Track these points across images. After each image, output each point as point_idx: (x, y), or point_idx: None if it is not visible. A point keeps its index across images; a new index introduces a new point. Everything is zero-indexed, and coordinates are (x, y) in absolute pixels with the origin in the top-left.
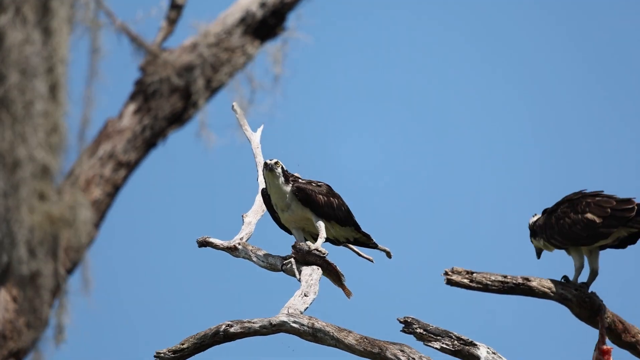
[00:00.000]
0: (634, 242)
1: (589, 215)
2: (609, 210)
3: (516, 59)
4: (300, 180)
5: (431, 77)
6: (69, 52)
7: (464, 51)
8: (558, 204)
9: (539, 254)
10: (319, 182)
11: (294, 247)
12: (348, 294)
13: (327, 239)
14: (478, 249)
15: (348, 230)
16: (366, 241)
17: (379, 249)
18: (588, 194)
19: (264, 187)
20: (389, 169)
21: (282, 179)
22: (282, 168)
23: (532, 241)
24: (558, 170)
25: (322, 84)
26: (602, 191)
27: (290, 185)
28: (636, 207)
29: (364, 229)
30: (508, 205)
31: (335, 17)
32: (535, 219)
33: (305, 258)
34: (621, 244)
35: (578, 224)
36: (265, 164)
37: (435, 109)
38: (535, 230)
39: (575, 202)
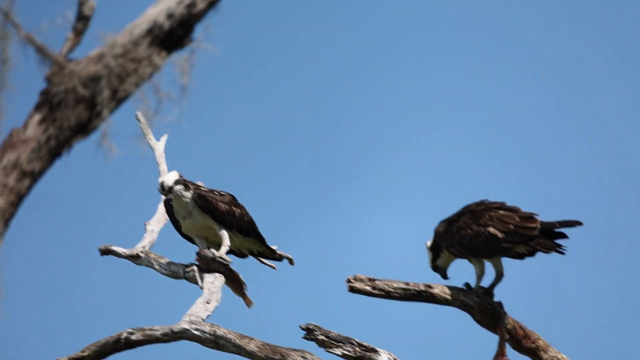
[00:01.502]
0: (532, 256)
1: (491, 230)
2: (511, 226)
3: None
4: (202, 188)
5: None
6: None
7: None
8: (460, 214)
9: (436, 268)
10: (222, 191)
11: (198, 254)
12: (249, 303)
13: (232, 251)
14: (382, 257)
15: (251, 242)
16: (270, 255)
17: (282, 256)
18: (491, 206)
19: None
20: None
21: (180, 187)
22: (175, 181)
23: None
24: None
25: (230, 93)
26: (505, 203)
27: (191, 192)
28: (539, 226)
29: (269, 242)
30: (414, 208)
31: (243, 27)
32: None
33: (209, 265)
34: (520, 256)
35: (479, 237)
36: (162, 185)
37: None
38: (436, 241)
39: (477, 213)
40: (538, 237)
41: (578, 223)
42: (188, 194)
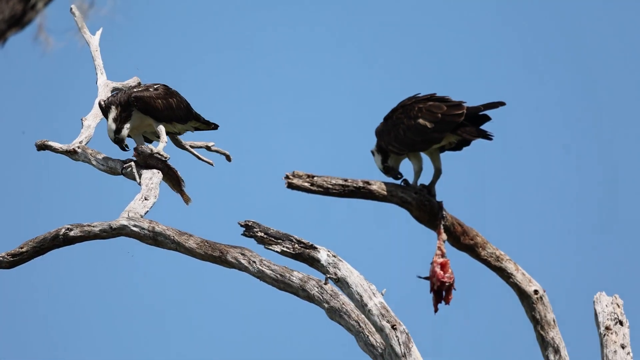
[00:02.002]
0: (468, 144)
1: (421, 121)
2: (439, 115)
3: None
4: (135, 89)
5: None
6: None
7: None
8: (393, 110)
9: (388, 169)
10: (155, 84)
11: (135, 149)
12: (187, 200)
13: (169, 133)
14: (322, 154)
15: (189, 124)
16: (207, 128)
17: (219, 152)
18: (421, 99)
19: (102, 98)
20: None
21: (126, 125)
22: (117, 115)
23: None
24: None
25: None
26: (435, 94)
27: (131, 114)
28: (465, 112)
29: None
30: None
31: None
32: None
33: (147, 161)
34: (457, 146)
35: (411, 130)
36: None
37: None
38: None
39: (408, 107)
40: (465, 124)
41: (501, 104)
42: (133, 121)
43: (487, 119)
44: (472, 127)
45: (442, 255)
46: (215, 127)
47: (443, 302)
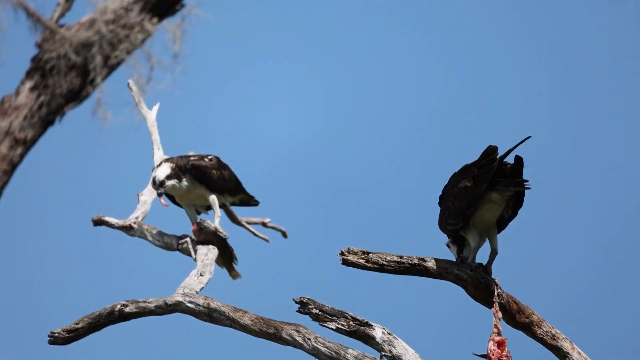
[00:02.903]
0: (520, 205)
1: (462, 183)
2: (475, 170)
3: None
4: (192, 157)
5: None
6: None
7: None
8: (442, 192)
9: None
10: (209, 155)
11: (198, 224)
12: (235, 275)
13: (223, 209)
14: (376, 230)
15: (237, 197)
16: (247, 200)
17: (275, 228)
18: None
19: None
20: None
21: (177, 184)
22: (167, 176)
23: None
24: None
25: (225, 60)
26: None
27: (184, 182)
28: (497, 157)
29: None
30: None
31: None
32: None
33: (207, 237)
34: (513, 213)
35: (457, 197)
36: (154, 181)
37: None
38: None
39: (450, 180)
40: (500, 180)
41: (527, 138)
42: (184, 182)
43: (519, 163)
44: (509, 179)
45: (499, 334)
46: (257, 203)
47: None
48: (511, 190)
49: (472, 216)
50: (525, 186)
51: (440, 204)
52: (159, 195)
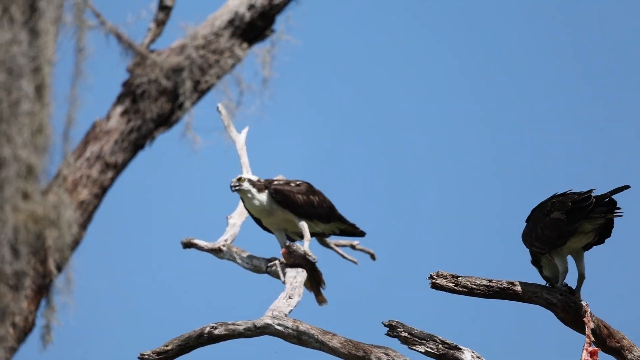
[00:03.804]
0: (609, 234)
1: (555, 215)
2: (569, 204)
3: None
4: (276, 182)
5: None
6: (55, 53)
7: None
8: (533, 211)
9: (548, 280)
10: (298, 181)
11: (287, 247)
12: (322, 300)
13: (314, 233)
14: (464, 252)
15: (333, 225)
16: (352, 231)
17: (364, 250)
18: (557, 195)
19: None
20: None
21: (253, 191)
22: (249, 180)
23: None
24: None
25: (312, 84)
26: (571, 190)
27: (266, 191)
28: (594, 199)
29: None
30: (496, 207)
31: (325, 18)
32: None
33: (296, 261)
34: (600, 240)
35: (548, 227)
36: (231, 187)
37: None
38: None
39: (544, 205)
40: (595, 208)
41: (626, 187)
42: (261, 196)
43: (614, 204)
44: (602, 207)
45: (591, 344)
46: (362, 233)
47: None
48: (604, 217)
49: (560, 247)
50: (617, 214)
51: (528, 220)
52: (232, 190)
